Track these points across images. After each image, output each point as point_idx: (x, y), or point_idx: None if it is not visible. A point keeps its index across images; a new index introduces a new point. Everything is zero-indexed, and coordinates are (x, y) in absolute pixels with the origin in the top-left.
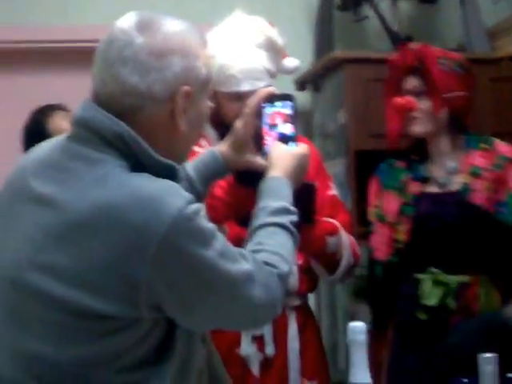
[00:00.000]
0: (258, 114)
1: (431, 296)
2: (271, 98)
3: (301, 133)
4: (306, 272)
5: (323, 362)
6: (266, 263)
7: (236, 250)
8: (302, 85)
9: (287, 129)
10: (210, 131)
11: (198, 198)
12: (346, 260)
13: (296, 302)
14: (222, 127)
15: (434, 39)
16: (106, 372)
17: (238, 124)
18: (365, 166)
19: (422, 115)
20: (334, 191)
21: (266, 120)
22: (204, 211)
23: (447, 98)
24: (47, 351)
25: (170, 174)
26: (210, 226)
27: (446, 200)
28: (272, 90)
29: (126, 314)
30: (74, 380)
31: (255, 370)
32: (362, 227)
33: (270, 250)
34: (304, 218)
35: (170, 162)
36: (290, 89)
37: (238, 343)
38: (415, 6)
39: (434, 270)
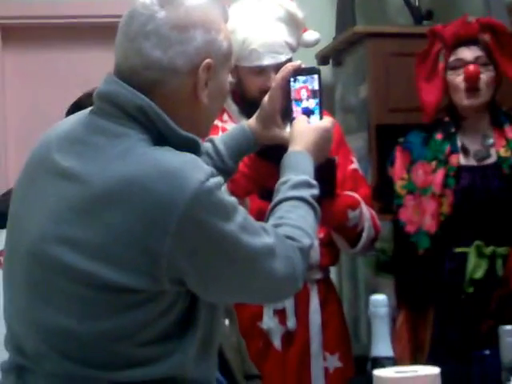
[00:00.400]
0: (285, 88)
1: (478, 269)
2: (297, 72)
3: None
4: (328, 245)
5: (345, 335)
6: (288, 237)
7: (257, 223)
8: (323, 59)
9: (312, 103)
10: (232, 106)
11: (228, 172)
12: (367, 233)
13: (318, 275)
14: (244, 102)
15: (455, 14)
16: (129, 345)
17: (265, 99)
18: (385, 140)
19: (484, 86)
20: (355, 165)
21: (293, 94)
22: (225, 185)
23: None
24: (70, 324)
25: (192, 147)
26: (232, 199)
27: (486, 173)
28: (298, 63)
29: (148, 287)
30: (97, 353)
31: (277, 343)
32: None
33: (292, 223)
34: (325, 192)
35: (191, 135)
36: (312, 63)
37: (260, 316)
38: None
39: (478, 242)
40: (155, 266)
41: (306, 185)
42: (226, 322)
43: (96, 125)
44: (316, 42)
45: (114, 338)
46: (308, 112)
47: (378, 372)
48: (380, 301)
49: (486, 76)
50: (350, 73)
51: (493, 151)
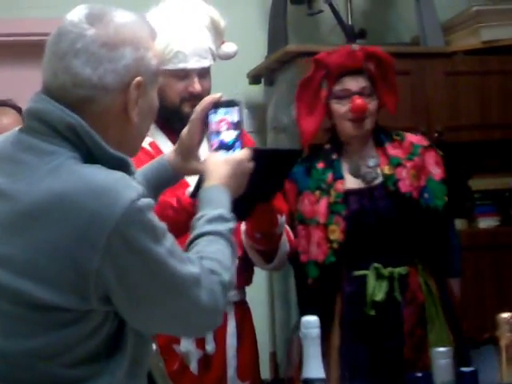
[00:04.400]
0: (204, 120)
1: (378, 291)
2: (217, 105)
3: (254, 127)
4: (244, 265)
5: (256, 361)
6: (210, 271)
7: (184, 253)
8: (255, 78)
9: (231, 135)
10: None
11: None
12: (283, 246)
13: (235, 297)
14: (162, 113)
15: (388, 33)
16: (57, 365)
17: (184, 131)
18: None
19: (369, 115)
20: None
21: (212, 127)
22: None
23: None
24: None
25: (122, 166)
26: (162, 224)
27: (375, 194)
28: (218, 96)
29: (76, 306)
30: (23, 372)
31: (193, 366)
32: None
33: (212, 257)
34: (266, 195)
35: (121, 154)
36: (244, 82)
37: (176, 339)
38: (369, 0)
39: (376, 264)
40: (83, 284)
41: (222, 219)
42: (154, 346)
43: (25, 143)
44: (234, 55)
45: (41, 357)
46: (226, 144)
47: None
48: (311, 322)
49: (371, 106)
50: (282, 92)
51: (378, 171)
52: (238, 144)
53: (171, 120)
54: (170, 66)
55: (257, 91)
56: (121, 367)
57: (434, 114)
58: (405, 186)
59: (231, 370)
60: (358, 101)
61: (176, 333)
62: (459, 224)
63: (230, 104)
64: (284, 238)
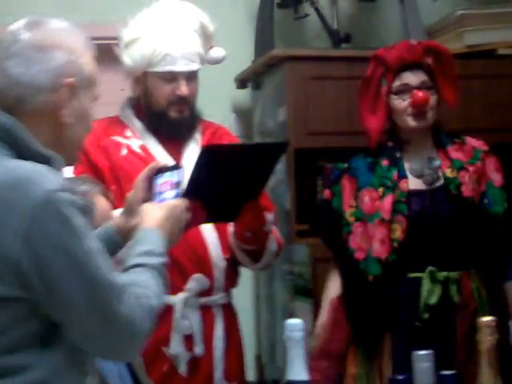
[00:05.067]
0: (149, 182)
1: (432, 294)
2: (162, 170)
3: (241, 131)
4: (231, 267)
5: (242, 365)
6: (137, 295)
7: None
8: (242, 82)
9: (169, 195)
10: (136, 122)
11: None
12: (270, 245)
13: (223, 299)
14: (149, 116)
15: (374, 37)
16: None
17: (130, 194)
18: (304, 164)
19: (429, 109)
20: None
21: (156, 188)
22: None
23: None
24: None
25: (51, 164)
26: (89, 227)
27: (437, 196)
28: (163, 163)
29: (2, 292)
30: None
31: (183, 369)
32: (301, 224)
33: (141, 284)
34: (254, 191)
35: (51, 152)
36: (231, 86)
37: (165, 341)
38: (355, 5)
39: (431, 268)
40: (6, 270)
41: (153, 254)
42: None
43: None
44: (222, 60)
45: None
46: (163, 201)
47: None
48: (295, 325)
49: (431, 100)
50: (269, 96)
51: (439, 173)
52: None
53: (159, 124)
54: (158, 68)
55: (244, 95)
56: (56, 359)
57: None
58: (467, 190)
59: (218, 372)
60: (419, 94)
61: (87, 347)
62: None
63: (173, 168)
64: (272, 236)
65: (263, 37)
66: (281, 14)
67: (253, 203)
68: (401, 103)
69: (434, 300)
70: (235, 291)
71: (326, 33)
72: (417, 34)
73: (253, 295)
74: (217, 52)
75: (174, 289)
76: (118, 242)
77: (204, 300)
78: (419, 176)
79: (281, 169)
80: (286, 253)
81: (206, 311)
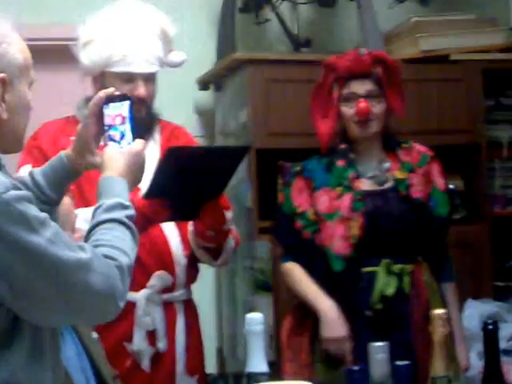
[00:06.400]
0: (99, 115)
1: (388, 286)
2: (110, 99)
3: (203, 132)
4: (191, 263)
5: (203, 357)
6: (106, 256)
7: (73, 242)
8: (204, 84)
9: (123, 128)
10: None
11: (51, 203)
12: (229, 243)
13: (184, 296)
14: None
15: (333, 42)
16: None
17: (80, 126)
18: (265, 163)
19: (375, 117)
20: None
21: (106, 120)
22: (33, 200)
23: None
24: None
25: None
26: (41, 214)
27: (387, 196)
28: (111, 90)
29: None
30: None
31: (145, 364)
32: (262, 221)
33: (109, 244)
34: (215, 192)
35: None
36: (193, 88)
37: (126, 336)
38: (315, 10)
39: (387, 260)
40: None
41: (120, 207)
42: (95, 334)
43: None
44: (181, 63)
45: None
46: (121, 137)
47: None
48: (255, 319)
49: (377, 109)
50: (231, 98)
51: (389, 175)
52: (130, 137)
53: None
54: (116, 69)
55: (206, 97)
56: (18, 357)
57: None
58: (416, 191)
59: (180, 367)
60: (362, 104)
61: (76, 322)
62: None
63: (122, 98)
64: (230, 234)
65: (225, 40)
66: (242, 19)
67: (214, 202)
68: (348, 110)
69: (390, 291)
70: (197, 286)
71: (287, 37)
72: (374, 40)
73: (215, 290)
74: (176, 56)
75: (137, 286)
76: (69, 172)
77: (166, 296)
78: (370, 177)
79: (243, 168)
80: (247, 249)
81: (168, 307)
